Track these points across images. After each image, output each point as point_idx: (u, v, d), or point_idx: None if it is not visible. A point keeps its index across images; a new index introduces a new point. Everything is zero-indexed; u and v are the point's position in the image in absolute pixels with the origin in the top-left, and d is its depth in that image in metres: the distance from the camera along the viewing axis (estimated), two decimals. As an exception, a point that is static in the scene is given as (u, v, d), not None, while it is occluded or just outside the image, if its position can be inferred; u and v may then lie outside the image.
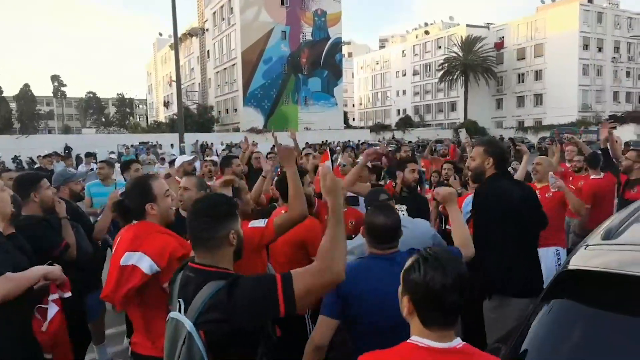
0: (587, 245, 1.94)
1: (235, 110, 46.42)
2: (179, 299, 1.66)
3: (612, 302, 1.65)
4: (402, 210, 3.75)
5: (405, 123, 54.55)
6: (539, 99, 54.85)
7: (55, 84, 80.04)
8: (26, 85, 75.58)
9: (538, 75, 54.83)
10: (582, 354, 1.63)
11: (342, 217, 1.69)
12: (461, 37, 55.74)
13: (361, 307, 2.16)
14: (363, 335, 2.19)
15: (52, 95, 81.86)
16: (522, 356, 1.71)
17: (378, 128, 51.11)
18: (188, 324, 1.56)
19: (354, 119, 74.72)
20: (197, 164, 7.66)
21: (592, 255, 1.87)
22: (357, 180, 4.23)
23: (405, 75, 68.39)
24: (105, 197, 4.47)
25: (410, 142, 26.85)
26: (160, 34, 70.75)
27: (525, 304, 2.73)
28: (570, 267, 1.79)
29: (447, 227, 4.16)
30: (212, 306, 1.55)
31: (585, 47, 51.76)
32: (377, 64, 74.50)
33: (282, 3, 45.79)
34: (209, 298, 1.56)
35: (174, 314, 1.66)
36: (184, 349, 1.55)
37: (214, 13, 49.81)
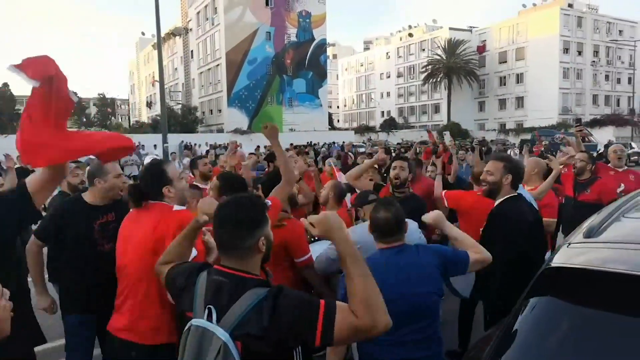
0: (570, 244, 1.97)
1: (220, 111, 46.15)
2: (209, 306, 1.54)
3: (594, 299, 1.68)
4: None
5: (390, 125, 54.88)
6: (520, 101, 55.69)
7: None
8: (5, 85, 74.07)
9: (519, 78, 55.68)
10: (565, 351, 1.64)
11: (357, 253, 1.53)
12: (444, 40, 56.37)
13: None
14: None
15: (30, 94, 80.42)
16: (505, 353, 1.73)
17: (363, 130, 51.30)
18: (223, 335, 1.45)
19: (338, 121, 74.88)
20: (176, 164, 7.63)
21: (575, 253, 1.90)
22: (360, 176, 4.20)
23: (389, 77, 68.82)
24: None
25: (398, 143, 26.96)
26: (143, 33, 69.99)
27: None
28: (553, 264, 1.81)
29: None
30: (253, 318, 1.46)
31: (566, 50, 52.72)
32: (362, 65, 74.82)
33: (267, 4, 45.68)
34: (250, 308, 1.47)
35: (199, 322, 1.53)
36: None
37: (198, 13, 49.47)
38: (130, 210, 2.68)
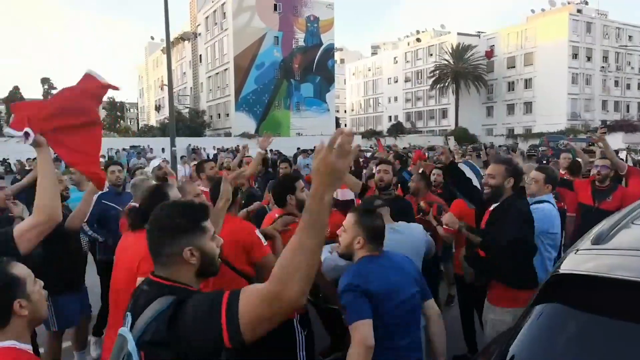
0: (578, 250, 1.96)
1: (227, 115, 46.38)
2: (127, 313, 1.46)
3: (601, 306, 1.67)
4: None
5: (397, 129, 54.84)
6: (528, 107, 55.44)
7: (46, 86, 79.36)
8: (16, 88, 74.90)
9: (528, 83, 55.45)
10: (572, 358, 1.63)
11: (320, 213, 1.24)
12: (452, 45, 56.31)
13: (383, 304, 2.24)
14: (388, 326, 2.26)
15: (42, 98, 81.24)
16: (514, 356, 1.72)
17: (370, 134, 51.33)
18: (131, 345, 1.35)
19: (345, 125, 74.90)
20: (186, 168, 7.74)
21: (583, 260, 1.88)
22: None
23: (397, 82, 68.81)
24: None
25: (404, 148, 26.95)
26: (152, 38, 70.63)
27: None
28: (561, 271, 1.80)
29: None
30: (156, 326, 1.33)
31: (575, 56, 52.46)
32: (369, 70, 74.89)
33: (275, 9, 45.96)
34: (155, 315, 1.34)
35: (122, 330, 1.45)
36: None
37: (207, 18, 49.83)
38: (123, 233, 2.60)
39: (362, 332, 2.13)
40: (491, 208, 3.30)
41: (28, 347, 1.63)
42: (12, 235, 2.16)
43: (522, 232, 2.99)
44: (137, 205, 2.72)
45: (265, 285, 1.26)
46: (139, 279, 2.01)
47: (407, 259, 2.52)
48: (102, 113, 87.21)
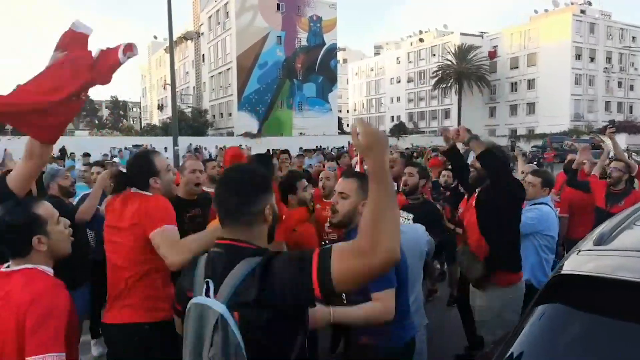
0: (580, 251, 1.96)
1: (230, 114, 46.44)
2: (207, 280, 1.46)
3: (604, 307, 1.66)
4: (407, 218, 3.71)
5: (400, 130, 54.81)
6: (531, 107, 55.34)
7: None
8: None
9: (531, 84, 55.36)
10: (574, 359, 1.63)
11: (389, 179, 1.33)
12: (455, 45, 56.25)
13: (404, 271, 2.36)
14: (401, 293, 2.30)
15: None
16: (515, 356, 1.72)
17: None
18: (220, 307, 1.36)
19: (347, 125, 74.94)
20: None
21: (585, 260, 1.88)
22: None
23: (399, 82, 68.78)
24: None
25: (407, 148, 26.83)
26: (155, 37, 70.78)
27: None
28: (563, 271, 1.80)
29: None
30: (247, 286, 1.36)
31: (578, 57, 52.35)
32: (372, 70, 74.88)
33: (278, 8, 46.00)
34: (243, 277, 1.38)
35: (197, 299, 1.45)
36: (217, 337, 1.34)
37: (210, 17, 49.91)
38: (108, 197, 2.67)
39: (389, 301, 2.14)
40: (477, 191, 3.46)
41: (48, 270, 1.86)
42: (4, 179, 2.30)
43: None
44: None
45: (359, 241, 1.31)
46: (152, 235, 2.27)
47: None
48: (105, 112, 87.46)
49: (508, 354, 1.78)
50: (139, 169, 2.55)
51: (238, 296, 1.36)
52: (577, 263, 1.86)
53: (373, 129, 1.34)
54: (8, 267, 1.84)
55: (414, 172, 4.11)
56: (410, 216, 3.73)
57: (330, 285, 1.30)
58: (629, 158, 5.53)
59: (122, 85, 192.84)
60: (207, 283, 1.45)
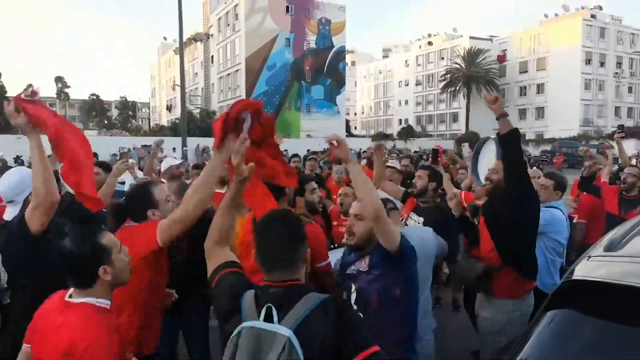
0: (590, 257, 1.96)
1: (238, 115, 46.53)
2: (268, 305, 1.53)
3: (614, 313, 1.67)
4: (417, 222, 3.72)
5: (407, 133, 54.66)
6: (540, 112, 55.02)
7: (59, 85, 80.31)
8: (29, 86, 75.82)
9: (540, 88, 55.04)
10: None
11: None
12: (464, 49, 56.05)
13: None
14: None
15: (55, 96, 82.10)
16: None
17: (380, 137, 51.19)
18: (287, 332, 1.45)
19: (355, 128, 74.89)
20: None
21: (595, 266, 1.89)
22: (382, 178, 4.24)
23: (408, 85, 68.65)
24: None
25: (416, 151, 26.68)
26: (165, 38, 71.11)
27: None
28: (574, 277, 1.81)
29: None
30: (317, 318, 1.51)
31: (588, 61, 51.99)
32: (380, 73, 74.81)
33: (287, 10, 46.09)
34: (312, 309, 1.52)
35: (253, 323, 1.51)
36: (283, 358, 1.42)
37: (219, 19, 50.13)
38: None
39: None
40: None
41: (107, 303, 1.86)
42: (24, 217, 2.27)
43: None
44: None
45: None
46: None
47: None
48: (115, 112, 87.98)
49: (517, 358, 1.78)
50: (138, 201, 2.59)
51: (304, 325, 1.49)
52: (587, 269, 1.87)
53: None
54: (70, 296, 1.84)
55: (423, 174, 4.15)
56: (421, 219, 3.74)
57: None
58: (638, 163, 5.44)
59: (132, 85, 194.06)
60: (269, 309, 1.53)
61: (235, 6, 46.28)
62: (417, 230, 3.04)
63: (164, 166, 5.38)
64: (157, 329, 2.59)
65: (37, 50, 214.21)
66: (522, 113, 56.94)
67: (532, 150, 41.89)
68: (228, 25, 48.24)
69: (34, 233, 2.24)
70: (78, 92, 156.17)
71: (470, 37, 59.57)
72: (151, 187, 2.64)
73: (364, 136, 57.00)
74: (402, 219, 3.89)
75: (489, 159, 3.98)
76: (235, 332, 1.52)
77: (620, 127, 5.81)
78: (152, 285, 2.46)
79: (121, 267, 1.90)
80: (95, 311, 1.80)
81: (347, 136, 49.35)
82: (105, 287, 1.85)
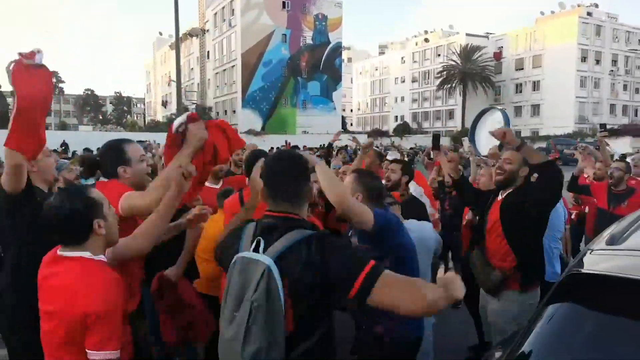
0: (592, 250, 1.95)
1: (234, 111, 46.42)
2: (258, 237, 1.67)
3: (616, 306, 1.66)
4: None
5: (403, 129, 54.71)
6: (536, 109, 55.19)
7: (54, 80, 79.77)
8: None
9: (536, 86, 55.19)
10: (585, 358, 1.63)
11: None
12: (460, 46, 56.11)
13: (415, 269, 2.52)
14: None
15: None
16: (525, 355, 1.72)
17: (376, 133, 51.19)
18: (268, 260, 1.56)
19: (352, 124, 74.86)
20: None
21: (597, 260, 1.88)
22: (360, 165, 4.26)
23: (404, 82, 68.66)
24: None
25: (412, 148, 26.77)
26: (161, 34, 70.67)
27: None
28: (575, 271, 1.80)
29: None
30: (300, 250, 1.59)
31: (584, 59, 52.16)
32: (377, 70, 74.78)
33: (284, 6, 45.94)
34: (295, 241, 1.61)
35: (244, 254, 1.66)
36: (261, 285, 1.53)
37: (215, 14, 49.89)
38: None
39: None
40: (501, 196, 3.25)
41: (102, 258, 1.86)
42: None
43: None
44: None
45: (416, 295, 1.50)
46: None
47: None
48: (110, 107, 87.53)
49: (518, 354, 1.77)
50: (108, 157, 2.51)
51: (287, 256, 1.58)
52: (589, 262, 1.86)
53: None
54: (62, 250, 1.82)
55: (396, 168, 4.16)
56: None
57: (365, 296, 1.52)
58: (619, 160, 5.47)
59: (127, 81, 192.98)
60: (258, 241, 1.65)
61: (232, 1, 46.07)
62: (416, 224, 3.02)
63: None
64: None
65: (31, 44, 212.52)
66: (518, 110, 57.09)
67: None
68: (224, 20, 48.02)
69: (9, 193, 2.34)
70: (72, 87, 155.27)
71: (467, 34, 59.62)
72: (124, 144, 2.54)
73: (360, 132, 57.03)
74: None
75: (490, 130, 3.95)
76: (232, 262, 1.68)
77: (602, 125, 5.86)
78: None
79: (112, 222, 1.88)
80: (93, 261, 1.79)
81: (343, 132, 49.30)
82: (99, 243, 1.83)
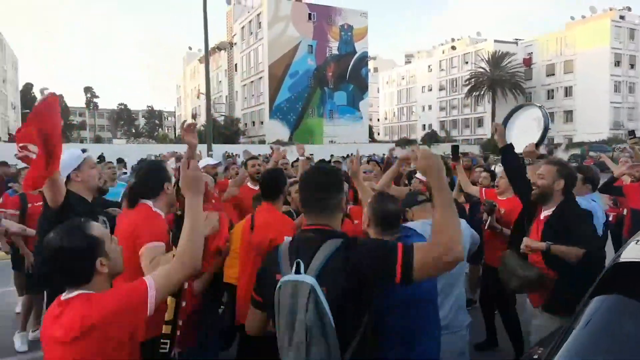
0: (638, 241, 1.90)
1: (262, 122, 46.96)
2: (297, 260, 1.69)
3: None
4: None
5: (431, 138, 54.19)
6: (569, 115, 53.83)
7: (88, 95, 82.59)
8: (60, 96, 78.14)
9: (568, 91, 53.89)
10: (632, 347, 1.57)
11: (447, 191, 1.67)
12: (489, 53, 55.39)
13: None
14: (393, 308, 2.16)
15: (84, 106, 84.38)
16: (571, 349, 1.67)
17: (403, 142, 50.88)
18: (311, 280, 1.60)
19: (378, 134, 74.67)
20: (220, 169, 8.33)
21: (643, 250, 1.83)
22: (390, 182, 4.21)
23: (431, 90, 68.18)
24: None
25: (441, 156, 26.59)
26: (190, 48, 72.43)
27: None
28: (622, 260, 1.75)
29: None
30: (334, 261, 1.63)
31: (617, 63, 50.71)
32: (403, 79, 74.52)
33: (309, 18, 46.43)
34: (331, 253, 1.65)
35: (287, 277, 1.69)
36: (311, 304, 1.58)
37: (242, 28, 50.80)
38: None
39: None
40: (543, 215, 3.12)
41: None
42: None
43: (592, 245, 2.81)
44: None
45: (434, 244, 1.57)
46: (144, 248, 2.34)
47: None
48: (142, 121, 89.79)
49: (564, 347, 1.73)
50: (154, 175, 2.65)
51: (325, 270, 1.63)
52: (636, 251, 1.80)
53: (427, 154, 1.72)
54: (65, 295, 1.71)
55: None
56: None
57: (410, 274, 1.56)
58: None
59: (158, 95, 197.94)
60: (297, 263, 1.68)
61: (259, 15, 46.85)
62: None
63: (201, 165, 5.71)
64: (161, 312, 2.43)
65: (67, 62, 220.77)
66: (550, 116, 55.25)
67: (562, 155, 41.01)
68: (251, 33, 48.83)
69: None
70: (107, 102, 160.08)
71: (495, 41, 58.87)
72: (163, 163, 2.78)
73: (387, 142, 56.76)
74: None
75: (525, 127, 3.81)
76: (276, 288, 1.70)
77: (631, 132, 5.74)
78: None
79: (115, 257, 1.80)
80: (96, 295, 1.68)
81: (370, 142, 49.25)
82: (103, 280, 1.75)
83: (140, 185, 2.61)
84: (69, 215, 2.56)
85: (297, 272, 1.66)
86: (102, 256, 1.72)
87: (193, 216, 1.89)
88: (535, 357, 2.11)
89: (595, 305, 1.73)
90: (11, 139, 41.38)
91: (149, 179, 2.61)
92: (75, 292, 1.68)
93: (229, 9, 54.69)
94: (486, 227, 4.43)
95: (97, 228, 1.77)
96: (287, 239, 1.88)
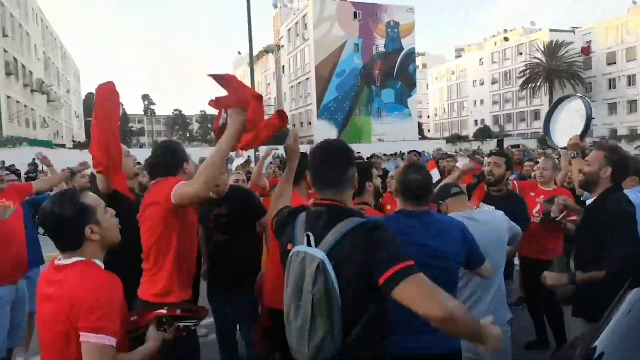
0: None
1: (310, 123, 47.31)
2: (307, 233, 1.75)
3: None
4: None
5: (484, 133, 52.56)
6: (633, 105, 50.63)
7: (146, 102, 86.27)
8: (120, 104, 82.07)
9: (631, 80, 50.68)
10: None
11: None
12: (544, 43, 53.01)
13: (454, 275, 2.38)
14: None
15: (142, 113, 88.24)
16: (605, 347, 1.58)
17: (454, 139, 49.69)
18: (320, 254, 1.64)
19: (429, 130, 73.33)
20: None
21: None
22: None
23: (482, 84, 66.16)
24: None
25: (491, 151, 25.63)
26: (239, 53, 74.19)
27: None
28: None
29: None
30: (347, 239, 1.65)
31: (687, 47, 47.16)
32: (453, 73, 72.78)
33: (355, 16, 46.28)
34: (345, 233, 1.66)
35: (299, 248, 1.74)
36: (319, 278, 1.61)
37: (289, 30, 51.39)
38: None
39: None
40: (588, 203, 2.95)
41: (99, 263, 1.83)
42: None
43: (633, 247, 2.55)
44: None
45: (436, 309, 1.48)
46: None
47: (458, 229, 2.37)
48: (195, 126, 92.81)
49: (599, 339, 1.63)
50: (172, 154, 2.77)
51: (338, 249, 1.65)
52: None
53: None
54: (59, 260, 1.80)
55: (500, 162, 3.86)
56: (492, 208, 3.56)
57: (389, 289, 1.54)
58: None
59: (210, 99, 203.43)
60: (308, 236, 1.73)
61: (304, 16, 47.23)
62: (484, 214, 2.88)
63: (235, 164, 6.17)
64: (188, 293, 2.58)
65: (126, 71, 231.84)
66: (612, 107, 52.71)
67: (626, 147, 38.57)
68: (297, 35, 49.31)
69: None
70: (163, 108, 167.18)
71: (551, 30, 56.31)
72: (181, 145, 2.89)
73: (437, 138, 55.61)
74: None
75: (569, 120, 3.67)
76: (289, 255, 1.77)
77: None
78: (181, 242, 2.50)
79: (108, 226, 1.85)
80: (93, 266, 1.77)
81: (420, 139, 48.42)
82: (95, 248, 1.81)
83: (156, 164, 2.69)
84: (117, 203, 2.62)
85: (309, 244, 1.71)
86: (92, 223, 1.78)
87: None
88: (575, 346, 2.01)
89: (633, 297, 1.62)
90: (75, 145, 44.01)
91: (166, 157, 2.69)
92: (68, 260, 1.76)
93: (275, 13, 55.51)
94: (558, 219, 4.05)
95: (90, 197, 1.85)
96: (303, 212, 1.91)
